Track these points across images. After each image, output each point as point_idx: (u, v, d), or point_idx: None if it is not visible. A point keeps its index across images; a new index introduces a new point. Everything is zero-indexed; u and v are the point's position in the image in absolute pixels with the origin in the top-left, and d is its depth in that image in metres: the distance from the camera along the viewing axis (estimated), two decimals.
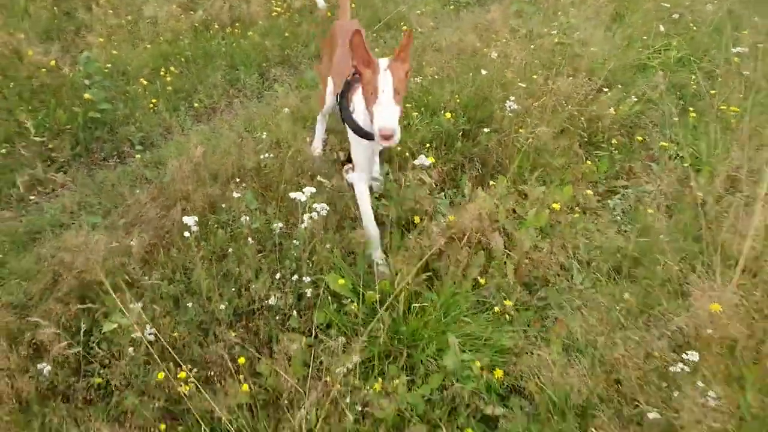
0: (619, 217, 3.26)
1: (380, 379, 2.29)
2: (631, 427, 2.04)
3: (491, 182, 3.19)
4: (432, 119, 3.70)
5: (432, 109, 3.80)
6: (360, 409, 2.21)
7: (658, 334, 2.17)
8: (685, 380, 1.91)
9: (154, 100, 4.27)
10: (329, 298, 2.61)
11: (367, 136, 2.72)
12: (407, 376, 2.39)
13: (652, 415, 2.00)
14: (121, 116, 4.08)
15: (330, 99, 3.29)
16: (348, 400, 2.18)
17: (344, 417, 2.15)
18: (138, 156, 3.75)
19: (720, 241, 2.50)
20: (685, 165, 3.42)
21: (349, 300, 2.60)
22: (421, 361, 2.47)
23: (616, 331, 2.32)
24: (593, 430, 1.99)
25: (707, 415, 1.75)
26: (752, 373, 1.91)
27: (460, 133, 3.60)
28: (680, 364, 2.03)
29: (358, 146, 2.84)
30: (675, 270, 2.48)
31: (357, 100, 2.74)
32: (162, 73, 4.57)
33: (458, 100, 3.84)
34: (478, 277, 2.76)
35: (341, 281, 2.59)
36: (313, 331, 2.50)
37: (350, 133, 2.83)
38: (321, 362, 2.32)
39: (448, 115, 3.64)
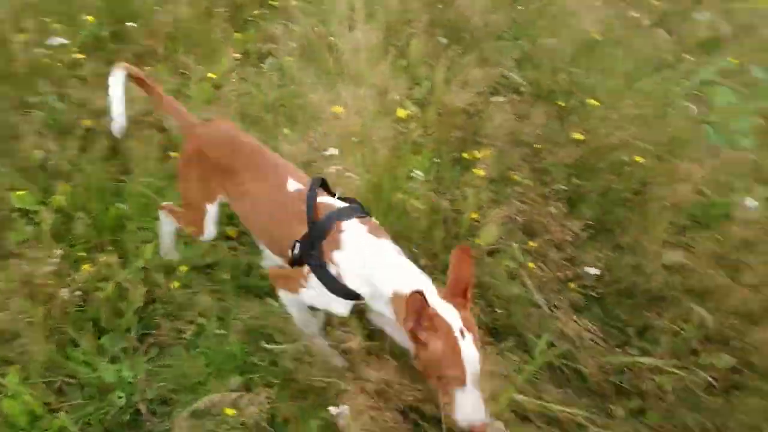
0: (275, 77, 3.71)
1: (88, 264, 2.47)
2: None
3: (147, 69, 3.36)
4: (73, 25, 3.64)
5: (71, 16, 3.72)
6: (81, 294, 2.39)
7: (308, 148, 2.72)
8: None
9: None
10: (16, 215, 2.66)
11: (355, 297, 2.06)
12: (120, 258, 2.60)
13: None
14: None
15: (212, 228, 2.50)
16: (66, 291, 2.34)
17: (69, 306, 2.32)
18: None
19: (342, 65, 3.10)
20: (315, 19, 3.97)
21: (36, 211, 2.67)
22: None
23: None
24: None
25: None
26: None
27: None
28: (333, 166, 2.60)
29: (330, 301, 2.10)
30: (314, 98, 3.02)
31: (340, 258, 2.01)
32: None
33: (97, 3, 3.82)
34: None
35: (20, 194, 2.64)
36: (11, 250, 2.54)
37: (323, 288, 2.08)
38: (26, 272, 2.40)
39: (91, 18, 3.63)
